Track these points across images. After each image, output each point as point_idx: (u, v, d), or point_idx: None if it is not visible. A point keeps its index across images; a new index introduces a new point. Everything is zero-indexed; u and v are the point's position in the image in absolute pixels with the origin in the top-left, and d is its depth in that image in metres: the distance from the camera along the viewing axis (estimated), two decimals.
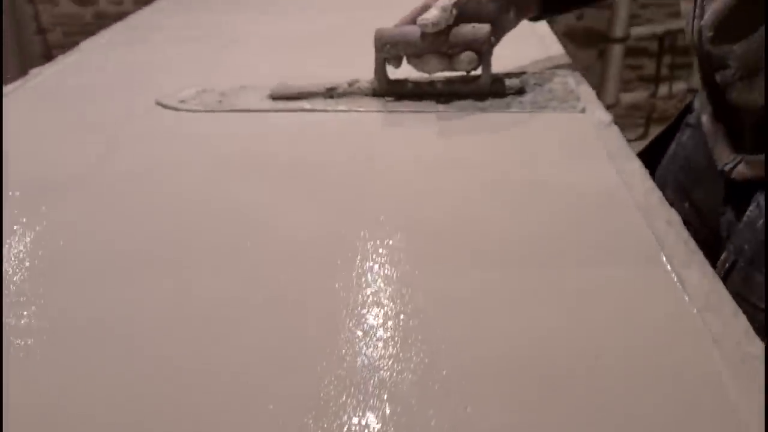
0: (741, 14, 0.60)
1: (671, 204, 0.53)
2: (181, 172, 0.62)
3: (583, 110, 0.71)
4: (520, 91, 0.74)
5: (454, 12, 0.68)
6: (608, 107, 2.42)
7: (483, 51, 0.70)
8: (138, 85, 0.88)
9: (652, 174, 0.61)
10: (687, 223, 0.51)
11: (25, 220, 0.54)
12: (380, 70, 0.74)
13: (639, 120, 3.20)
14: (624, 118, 3.22)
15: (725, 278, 0.65)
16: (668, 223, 0.51)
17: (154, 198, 0.58)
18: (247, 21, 1.24)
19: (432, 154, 0.64)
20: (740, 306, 0.40)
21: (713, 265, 0.48)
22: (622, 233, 0.50)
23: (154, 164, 0.64)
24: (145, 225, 0.53)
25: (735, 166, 0.68)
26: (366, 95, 0.75)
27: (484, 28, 0.70)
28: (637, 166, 0.60)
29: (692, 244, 0.48)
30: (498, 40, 0.74)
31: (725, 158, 0.69)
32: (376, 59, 0.73)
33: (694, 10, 0.66)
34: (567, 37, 3.38)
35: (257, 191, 0.58)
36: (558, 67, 0.85)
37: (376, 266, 0.46)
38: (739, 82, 0.62)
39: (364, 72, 0.75)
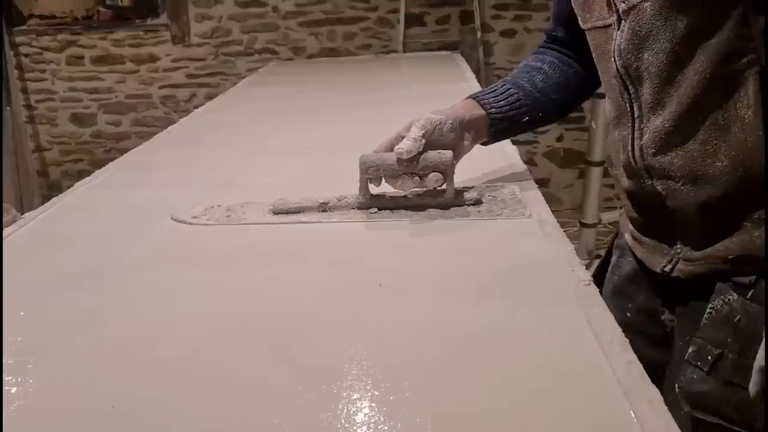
0: (678, 131, 0.71)
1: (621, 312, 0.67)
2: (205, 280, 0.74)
3: (530, 216, 0.85)
4: (477, 202, 0.89)
5: (423, 141, 0.83)
6: (591, 226, 2.43)
7: (447, 172, 0.85)
8: (153, 205, 0.99)
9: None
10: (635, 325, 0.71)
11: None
12: (364, 188, 0.89)
13: None
14: (606, 235, 3.28)
15: (711, 369, 0.73)
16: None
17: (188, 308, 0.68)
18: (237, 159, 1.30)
19: (407, 254, 0.78)
20: (735, 394, 0.40)
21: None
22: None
23: (177, 274, 0.76)
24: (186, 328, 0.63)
25: (674, 267, 0.78)
26: (353, 208, 0.90)
27: (448, 153, 0.85)
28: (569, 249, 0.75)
29: None
30: (457, 161, 0.89)
31: (659, 262, 0.80)
32: (361, 179, 0.88)
33: (633, 134, 0.76)
34: (547, 157, 3.52)
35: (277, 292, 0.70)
36: (513, 174, 1.02)
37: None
38: (683, 187, 0.72)
39: (350, 187, 0.90)
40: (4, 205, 2.95)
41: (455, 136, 0.88)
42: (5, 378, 0.56)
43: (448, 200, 0.88)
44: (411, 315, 0.63)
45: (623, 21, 0.72)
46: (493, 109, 0.92)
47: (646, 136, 0.73)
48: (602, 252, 2.96)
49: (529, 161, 3.30)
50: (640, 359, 0.53)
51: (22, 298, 0.70)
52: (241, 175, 1.12)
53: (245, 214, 0.91)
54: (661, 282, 0.83)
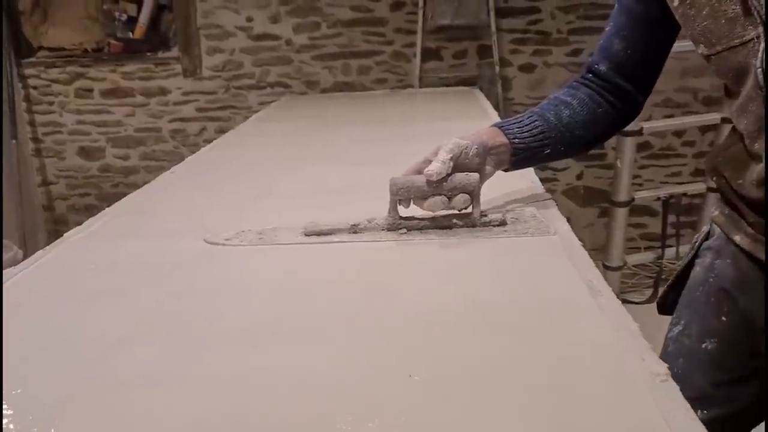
0: None
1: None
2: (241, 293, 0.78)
3: (554, 233, 0.90)
4: (502, 223, 0.93)
5: (451, 164, 0.88)
6: (616, 269, 2.33)
7: (475, 193, 0.91)
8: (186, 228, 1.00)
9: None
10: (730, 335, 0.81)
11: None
12: (393, 209, 0.92)
13: (646, 281, 3.12)
14: (631, 278, 3.14)
15: None
16: None
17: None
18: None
19: (438, 273, 0.81)
20: None
21: None
22: None
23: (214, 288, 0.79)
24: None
25: None
26: (382, 230, 0.93)
27: (475, 176, 0.90)
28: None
29: None
30: (482, 184, 0.93)
31: None
32: (391, 201, 0.91)
33: (766, 53, 0.71)
34: (566, 195, 3.40)
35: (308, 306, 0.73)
36: (533, 196, 1.07)
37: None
38: None
39: (376, 212, 0.94)
40: (5, 242, 2.87)
41: (479, 161, 0.92)
42: None
43: (475, 221, 0.92)
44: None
45: None
46: (517, 139, 0.96)
47: None
48: (627, 296, 2.84)
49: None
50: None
51: None
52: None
53: (277, 236, 0.94)
54: None
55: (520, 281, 0.77)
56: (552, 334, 0.63)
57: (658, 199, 2.80)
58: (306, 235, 0.93)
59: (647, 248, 3.23)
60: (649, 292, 2.91)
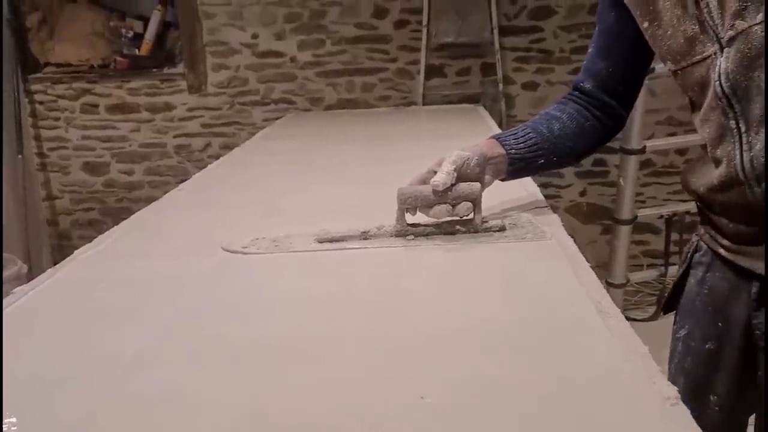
0: None
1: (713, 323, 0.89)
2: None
3: (551, 238, 0.96)
4: (502, 229, 1.00)
5: (455, 175, 0.95)
6: (619, 286, 2.34)
7: (477, 201, 0.97)
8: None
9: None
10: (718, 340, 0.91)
11: None
12: (401, 217, 0.98)
13: (649, 298, 3.12)
14: (634, 295, 3.14)
15: None
16: None
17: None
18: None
19: (444, 275, 0.88)
20: None
21: None
22: None
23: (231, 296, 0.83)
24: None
25: None
26: (391, 236, 0.99)
27: (476, 185, 0.97)
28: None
29: None
30: (482, 193, 1.00)
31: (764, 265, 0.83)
32: (399, 209, 0.97)
33: (741, 147, 0.79)
34: (569, 212, 3.41)
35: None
36: (531, 203, 1.14)
37: None
38: None
39: (384, 220, 1.00)
40: (9, 256, 2.88)
41: (479, 171, 1.00)
42: None
43: (477, 227, 0.99)
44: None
45: (726, 48, 0.77)
46: (513, 150, 1.04)
47: (758, 146, 0.77)
48: (630, 314, 2.83)
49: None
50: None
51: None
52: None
53: (291, 244, 0.99)
54: (761, 287, 0.86)
55: (526, 291, 0.81)
56: (562, 355, 0.64)
57: (661, 217, 2.81)
58: (319, 242, 0.98)
59: (650, 265, 3.23)
60: (652, 309, 2.91)
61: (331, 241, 0.98)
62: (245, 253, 0.96)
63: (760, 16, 0.73)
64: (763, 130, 0.77)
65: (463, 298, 0.79)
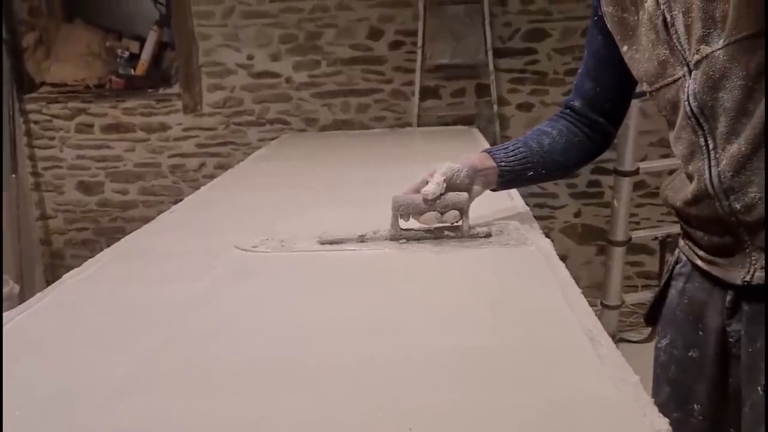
0: (755, 154, 0.79)
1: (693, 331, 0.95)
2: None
3: (532, 245, 1.05)
4: (488, 235, 1.09)
5: (444, 186, 1.04)
6: (614, 308, 2.33)
7: (464, 210, 1.06)
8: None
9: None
10: (698, 348, 0.95)
11: None
12: (395, 223, 1.08)
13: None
14: (629, 316, 3.13)
15: None
16: None
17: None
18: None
19: (433, 275, 0.98)
20: None
21: None
22: None
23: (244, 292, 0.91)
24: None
25: (753, 276, 0.84)
26: (386, 239, 1.09)
27: (464, 195, 1.07)
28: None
29: None
30: (471, 202, 1.09)
31: (739, 274, 0.86)
32: (393, 215, 1.07)
33: (709, 163, 0.84)
34: (564, 233, 3.41)
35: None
36: (517, 214, 1.23)
37: None
38: (759, 202, 0.80)
39: (380, 224, 1.10)
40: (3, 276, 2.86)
41: (469, 182, 1.09)
42: None
43: (464, 233, 1.08)
44: None
45: (694, 71, 0.82)
46: (503, 163, 1.11)
47: (724, 162, 0.82)
48: (624, 335, 2.82)
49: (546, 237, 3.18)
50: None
51: None
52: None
53: (296, 244, 1.10)
54: (734, 296, 0.89)
55: (517, 318, 0.81)
56: (551, 384, 0.63)
57: (656, 238, 2.81)
58: (321, 243, 1.09)
59: (644, 286, 3.23)
60: (647, 331, 2.90)
61: (331, 242, 1.09)
62: (256, 252, 1.05)
63: (722, 42, 0.78)
64: (729, 147, 0.81)
65: (453, 327, 0.78)
